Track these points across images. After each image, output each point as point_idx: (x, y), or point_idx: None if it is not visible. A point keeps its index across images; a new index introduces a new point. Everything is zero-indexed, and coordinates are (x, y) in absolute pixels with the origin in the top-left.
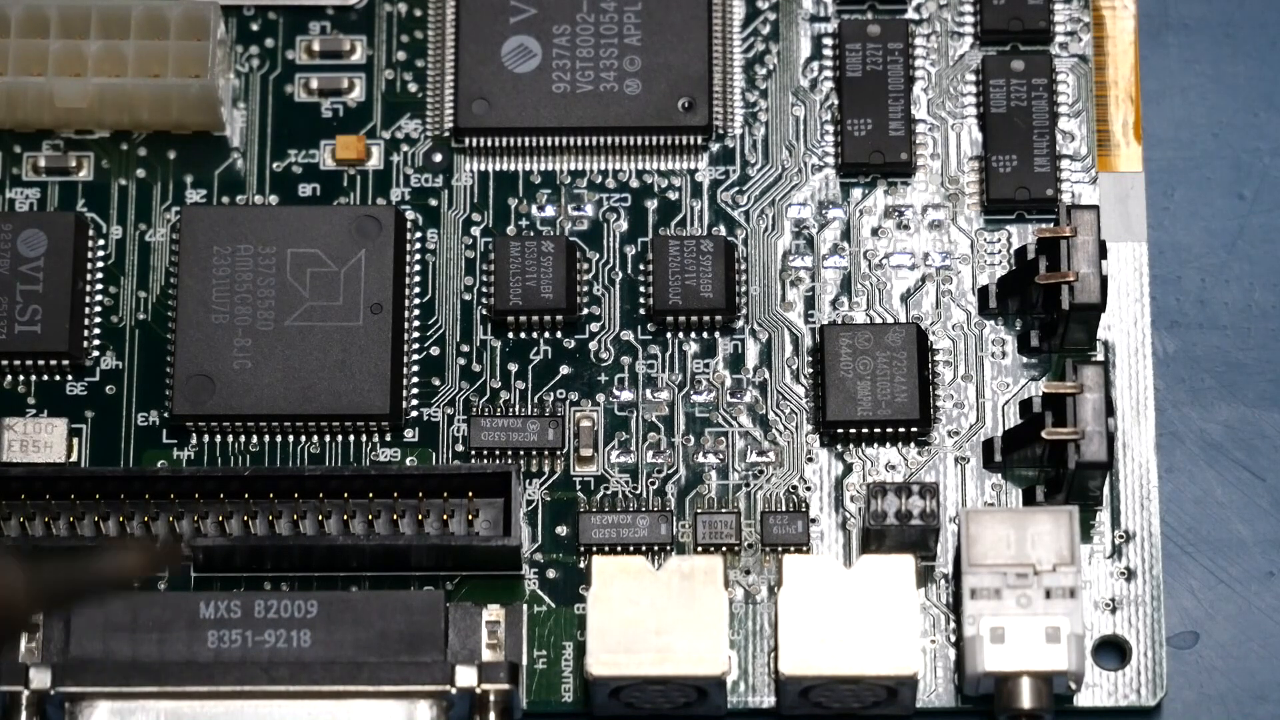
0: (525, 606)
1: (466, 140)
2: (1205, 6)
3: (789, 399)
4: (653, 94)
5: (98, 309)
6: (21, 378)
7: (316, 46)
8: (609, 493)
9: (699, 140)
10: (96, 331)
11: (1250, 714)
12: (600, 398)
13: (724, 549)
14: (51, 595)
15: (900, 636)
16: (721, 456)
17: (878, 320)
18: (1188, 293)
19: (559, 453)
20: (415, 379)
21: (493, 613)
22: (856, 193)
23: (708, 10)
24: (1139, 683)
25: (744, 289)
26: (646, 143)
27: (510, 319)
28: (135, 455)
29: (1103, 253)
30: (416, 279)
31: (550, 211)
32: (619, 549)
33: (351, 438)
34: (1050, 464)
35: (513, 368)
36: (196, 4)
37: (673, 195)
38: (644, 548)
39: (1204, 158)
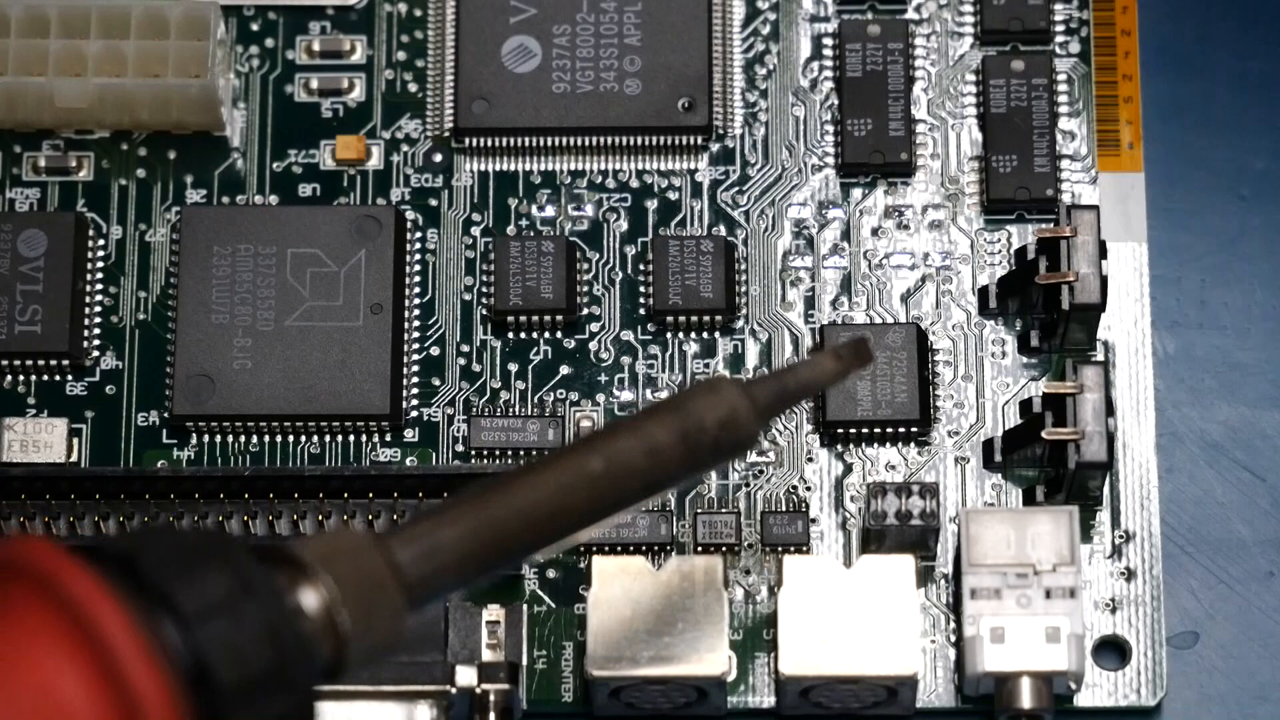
0: (525, 606)
1: (466, 140)
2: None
3: None
4: (653, 94)
5: (98, 309)
6: (21, 378)
7: (316, 46)
8: None
9: (699, 140)
10: (96, 331)
11: (1250, 714)
12: (600, 398)
13: (724, 549)
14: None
15: (900, 636)
16: None
17: (878, 320)
18: (1188, 293)
19: None
20: (415, 379)
21: (493, 613)
22: (856, 193)
23: (708, 10)
24: (1139, 683)
25: (744, 289)
26: (646, 143)
27: (510, 319)
28: (135, 455)
29: (1103, 253)
30: (416, 279)
31: (550, 211)
32: (619, 549)
33: (351, 438)
34: (1050, 464)
35: (513, 368)
36: (196, 4)
37: (673, 195)
38: (644, 548)
39: (1204, 158)
